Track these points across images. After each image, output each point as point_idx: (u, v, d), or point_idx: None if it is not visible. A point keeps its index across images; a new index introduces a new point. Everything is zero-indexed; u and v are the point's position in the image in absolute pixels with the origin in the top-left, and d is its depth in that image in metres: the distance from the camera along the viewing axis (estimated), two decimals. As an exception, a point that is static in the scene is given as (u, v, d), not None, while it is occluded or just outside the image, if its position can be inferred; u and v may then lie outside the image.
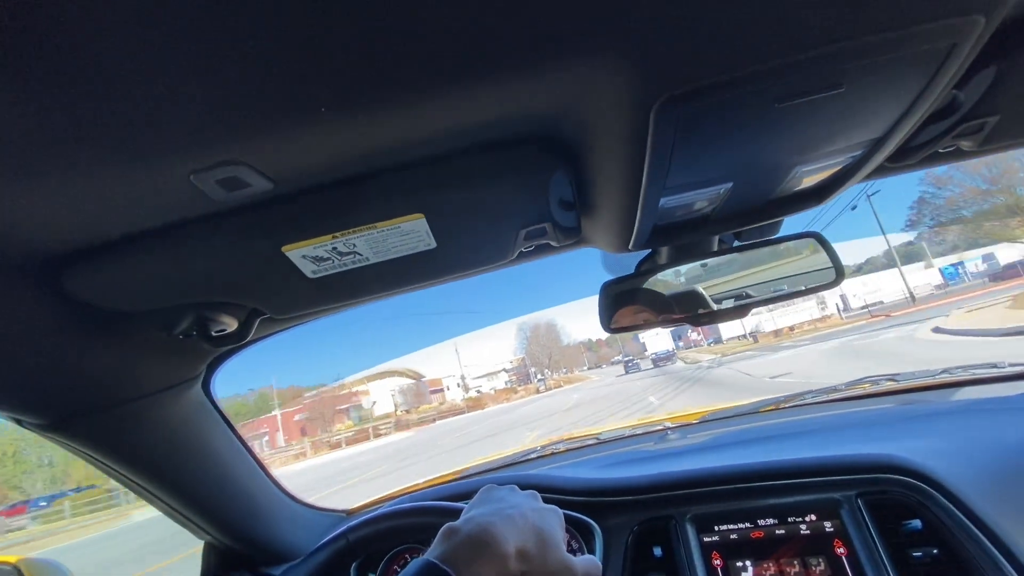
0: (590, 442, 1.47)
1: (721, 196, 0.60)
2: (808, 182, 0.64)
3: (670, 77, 0.40)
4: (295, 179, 0.48)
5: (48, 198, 0.42)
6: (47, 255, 0.50)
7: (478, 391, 56.53)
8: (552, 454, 1.44)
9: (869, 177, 0.69)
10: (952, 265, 35.10)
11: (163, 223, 0.50)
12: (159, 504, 0.87)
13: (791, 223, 0.81)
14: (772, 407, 1.40)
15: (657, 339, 49.25)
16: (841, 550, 0.79)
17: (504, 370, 66.29)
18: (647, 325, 0.84)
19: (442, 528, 0.49)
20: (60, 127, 0.35)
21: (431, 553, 0.46)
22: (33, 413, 0.63)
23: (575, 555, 0.53)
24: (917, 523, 0.77)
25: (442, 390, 55.42)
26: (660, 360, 33.86)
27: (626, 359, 45.11)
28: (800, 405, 1.38)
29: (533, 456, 1.45)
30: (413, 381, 54.54)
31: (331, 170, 0.49)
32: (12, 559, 0.89)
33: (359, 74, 0.36)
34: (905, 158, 0.65)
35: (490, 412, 30.01)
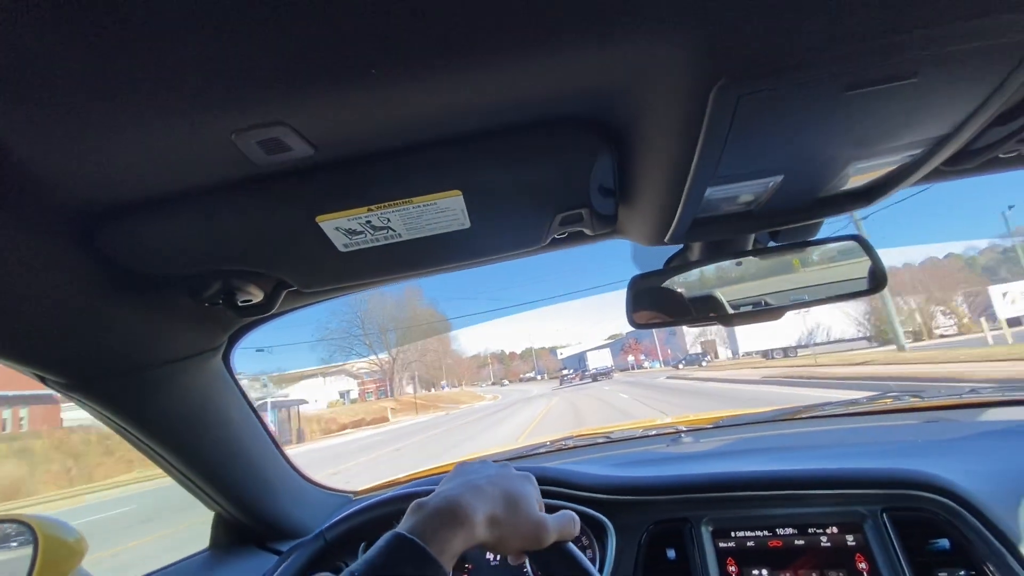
0: (600, 440, 1.45)
1: (768, 190, 0.58)
2: (858, 181, 0.62)
3: (737, 57, 0.38)
4: (335, 146, 0.47)
5: (89, 151, 0.42)
6: (82, 211, 0.49)
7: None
8: (560, 450, 1.42)
9: (923, 180, 0.66)
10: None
11: (200, 184, 0.49)
12: (173, 472, 0.87)
13: (829, 227, 0.79)
14: (789, 417, 1.37)
15: (597, 355, 46.73)
16: (863, 565, 0.77)
17: (347, 373, 45.92)
18: (673, 322, 0.83)
19: (411, 504, 0.49)
20: (107, 75, 0.34)
21: (400, 527, 0.46)
22: (57, 372, 0.63)
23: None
24: (945, 543, 0.74)
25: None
26: (600, 375, 39.06)
27: (564, 371, 46.07)
28: (818, 416, 1.35)
29: (542, 451, 1.44)
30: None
31: (373, 139, 0.47)
32: (25, 517, 0.89)
33: (414, 35, 0.34)
34: (963, 161, 0.62)
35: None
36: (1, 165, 0.41)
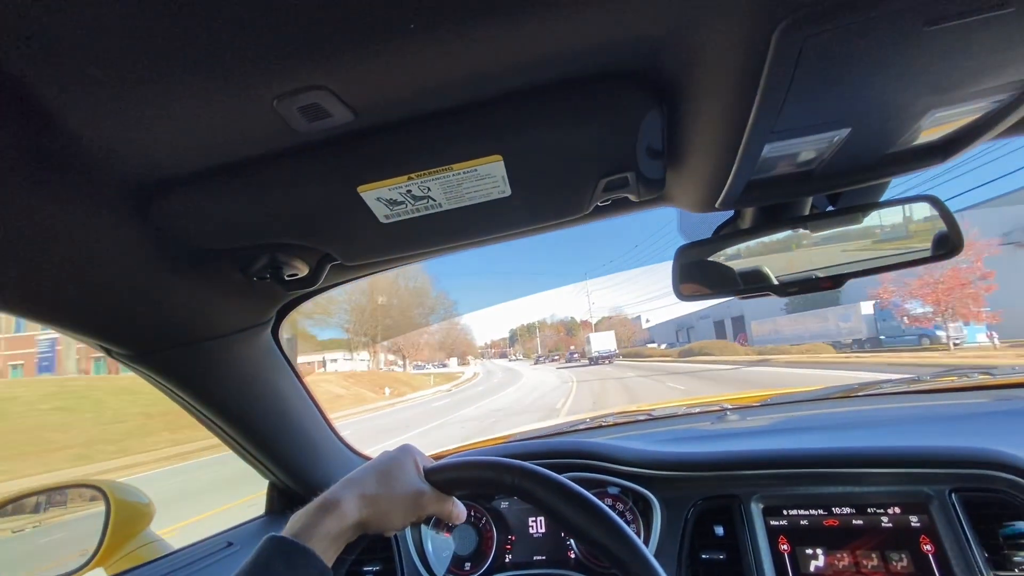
0: (642, 417, 1.43)
1: (832, 146, 0.54)
2: (933, 134, 0.56)
3: None
4: (375, 112, 0.46)
5: (138, 125, 0.42)
6: (136, 186, 0.51)
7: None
8: (600, 426, 1.41)
9: (1008, 133, 0.59)
10: None
11: (245, 156, 0.49)
12: (229, 442, 0.91)
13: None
14: (843, 395, 1.31)
15: (600, 338, 42.61)
16: (928, 547, 0.73)
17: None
18: (724, 293, 0.79)
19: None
20: (157, 44, 0.35)
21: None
22: (121, 344, 0.66)
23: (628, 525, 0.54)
24: (1021, 526, 0.70)
25: None
26: (602, 358, 37.24)
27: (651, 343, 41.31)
28: (876, 394, 1.28)
29: (582, 427, 1.43)
30: None
31: (412, 103, 0.46)
32: (99, 482, 0.96)
33: None
34: None
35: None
36: (58, 142, 0.42)
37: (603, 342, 41.79)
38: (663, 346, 43.61)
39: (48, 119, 0.40)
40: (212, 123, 0.43)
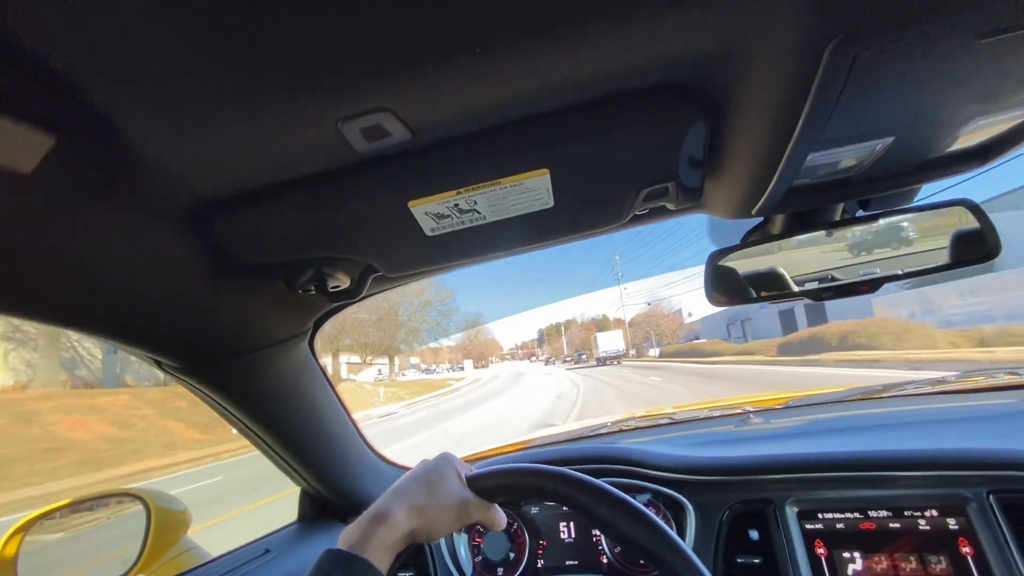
0: (663, 421, 1.43)
1: (874, 153, 0.54)
2: (971, 139, 0.57)
3: (856, 8, 0.35)
4: (431, 130, 0.47)
5: (206, 144, 0.44)
6: (195, 203, 0.52)
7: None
8: (622, 431, 1.41)
9: None
10: None
11: (303, 174, 0.51)
12: (266, 450, 0.92)
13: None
14: (868, 396, 1.31)
15: (607, 337, 41.51)
16: (967, 549, 0.73)
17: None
18: (756, 299, 0.79)
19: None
20: (229, 70, 0.36)
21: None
22: (173, 356, 0.68)
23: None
24: None
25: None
26: (610, 358, 36.22)
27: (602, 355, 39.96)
28: (901, 396, 1.28)
29: (604, 431, 1.43)
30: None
31: (467, 121, 0.48)
32: (140, 491, 0.98)
33: (519, 7, 0.34)
34: None
35: None
36: (123, 161, 0.44)
37: (610, 342, 41.09)
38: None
39: (114, 139, 0.41)
40: (276, 144, 0.45)
